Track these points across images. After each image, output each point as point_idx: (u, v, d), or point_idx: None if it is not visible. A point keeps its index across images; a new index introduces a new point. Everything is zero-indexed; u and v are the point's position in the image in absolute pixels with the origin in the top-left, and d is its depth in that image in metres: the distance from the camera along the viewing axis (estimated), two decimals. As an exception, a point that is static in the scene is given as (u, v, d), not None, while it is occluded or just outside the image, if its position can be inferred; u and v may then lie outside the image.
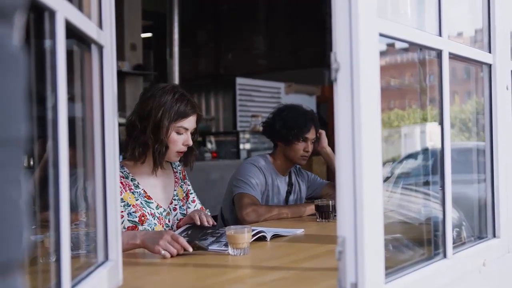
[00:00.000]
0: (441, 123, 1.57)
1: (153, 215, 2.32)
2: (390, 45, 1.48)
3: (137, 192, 2.33)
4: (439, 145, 1.60)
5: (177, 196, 2.49)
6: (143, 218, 2.28)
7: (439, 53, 1.57)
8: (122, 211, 2.23)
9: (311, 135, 3.08)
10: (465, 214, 1.91)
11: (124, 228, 2.24)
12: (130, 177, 2.34)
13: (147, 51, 8.24)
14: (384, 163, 1.29)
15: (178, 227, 2.40)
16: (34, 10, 0.95)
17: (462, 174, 1.93)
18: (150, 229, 2.29)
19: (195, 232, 2.22)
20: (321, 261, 1.90)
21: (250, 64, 9.66)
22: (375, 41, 1.23)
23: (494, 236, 1.87)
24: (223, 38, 10.19)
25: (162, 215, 2.37)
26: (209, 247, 2.02)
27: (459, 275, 1.63)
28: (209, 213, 2.53)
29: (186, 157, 2.45)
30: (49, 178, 1.02)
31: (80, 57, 1.37)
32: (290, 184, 3.21)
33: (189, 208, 2.54)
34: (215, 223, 2.31)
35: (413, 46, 1.64)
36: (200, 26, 10.18)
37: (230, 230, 1.96)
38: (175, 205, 2.46)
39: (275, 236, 2.28)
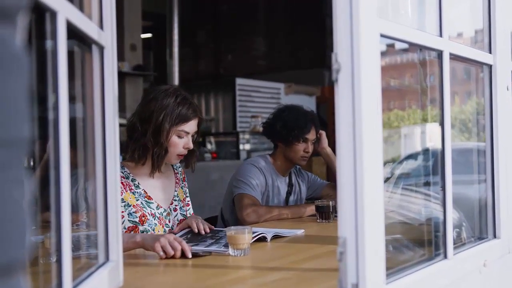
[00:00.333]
0: (442, 123, 1.57)
1: (153, 215, 2.32)
2: (390, 46, 1.48)
3: (137, 192, 2.33)
4: (439, 146, 1.60)
5: (178, 196, 2.49)
6: (143, 218, 2.28)
7: (439, 54, 1.57)
8: (122, 211, 2.23)
9: (311, 135, 3.08)
10: (465, 215, 1.91)
11: (125, 228, 2.24)
12: (131, 178, 2.34)
13: (147, 51, 8.25)
14: (384, 164, 1.29)
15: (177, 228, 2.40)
16: (35, 11, 0.95)
17: (462, 175, 1.93)
18: (150, 229, 2.29)
19: (195, 236, 2.22)
20: (322, 261, 1.90)
21: (250, 64, 9.66)
22: (376, 41, 1.24)
23: (494, 236, 1.87)
24: (223, 39, 10.20)
25: (162, 215, 2.37)
26: (209, 248, 2.02)
27: (460, 275, 1.63)
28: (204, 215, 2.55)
29: (187, 159, 2.45)
30: (50, 179, 1.02)
31: (81, 58, 1.37)
32: (290, 185, 3.21)
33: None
34: (213, 227, 2.30)
35: (413, 47, 1.64)
36: (200, 27, 10.18)
37: (231, 230, 1.96)
38: (176, 205, 2.46)
39: (275, 237, 2.28)
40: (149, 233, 2.27)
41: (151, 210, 2.33)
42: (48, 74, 1.01)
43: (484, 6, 1.88)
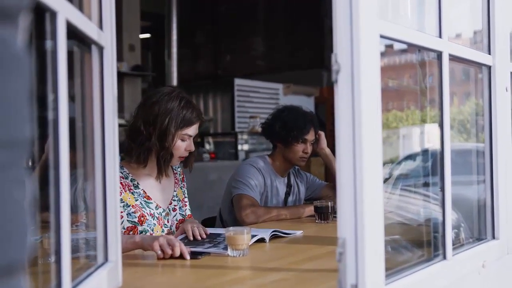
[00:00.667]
0: (441, 124, 1.57)
1: (152, 216, 2.32)
2: (388, 46, 1.48)
3: (136, 192, 2.33)
4: (438, 147, 1.60)
5: (177, 197, 2.49)
6: (142, 219, 2.28)
7: (439, 55, 1.57)
8: (121, 212, 2.23)
9: (310, 136, 3.08)
10: (464, 216, 1.91)
11: (124, 228, 2.24)
12: (130, 178, 2.34)
13: (145, 52, 8.24)
14: (382, 165, 1.29)
15: (176, 229, 2.40)
16: (35, 11, 0.95)
17: (461, 176, 1.93)
18: (149, 230, 2.29)
19: (193, 241, 2.20)
20: (321, 262, 1.90)
21: (248, 65, 9.66)
22: (376, 42, 1.23)
23: (493, 237, 1.87)
24: (222, 39, 10.19)
25: (161, 215, 2.37)
26: (208, 250, 2.01)
27: (459, 276, 1.63)
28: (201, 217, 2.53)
29: (186, 160, 2.45)
30: (48, 178, 1.02)
31: (80, 58, 1.37)
32: (289, 185, 3.21)
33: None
34: (208, 232, 2.28)
35: (411, 48, 1.64)
36: (198, 27, 10.18)
37: (230, 231, 1.96)
38: (175, 205, 2.46)
39: (274, 237, 2.28)
40: (148, 233, 2.27)
41: (150, 210, 2.33)
42: (48, 74, 1.01)
43: (483, 7, 1.88)
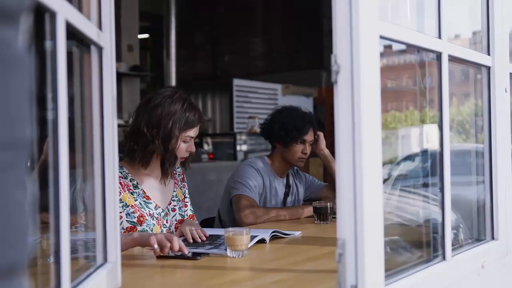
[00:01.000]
0: (440, 125, 1.57)
1: (151, 216, 2.32)
2: (387, 47, 1.48)
3: (136, 192, 2.33)
4: (437, 147, 1.60)
5: (177, 197, 2.49)
6: (141, 219, 2.28)
7: (438, 56, 1.57)
8: (120, 212, 2.23)
9: (309, 137, 3.08)
10: (463, 216, 1.91)
11: (123, 229, 2.24)
12: (129, 177, 2.34)
13: (144, 52, 8.24)
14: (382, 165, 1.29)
15: (175, 229, 2.39)
16: (34, 11, 0.95)
17: (460, 176, 1.93)
18: (148, 230, 2.29)
19: (192, 243, 2.19)
20: (320, 263, 1.90)
21: (247, 65, 9.66)
22: (376, 43, 1.23)
23: (492, 238, 1.87)
24: (220, 40, 10.19)
25: (160, 215, 2.37)
26: (209, 251, 2.01)
27: (458, 277, 1.63)
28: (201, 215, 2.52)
29: (184, 159, 2.45)
30: (47, 179, 1.02)
31: (79, 59, 1.36)
32: (287, 186, 3.21)
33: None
34: (207, 234, 2.27)
35: (410, 48, 1.64)
36: (197, 27, 10.18)
37: (229, 232, 1.95)
38: (174, 205, 2.46)
39: (274, 238, 2.28)
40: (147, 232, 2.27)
41: (149, 211, 2.33)
42: (47, 74, 1.01)
43: (482, 8, 1.88)
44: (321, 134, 3.20)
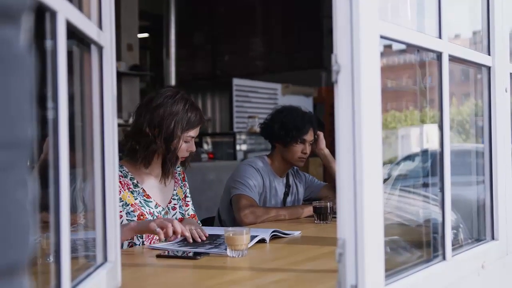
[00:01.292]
0: (441, 125, 1.57)
1: (152, 214, 2.33)
2: (387, 47, 1.48)
3: (136, 191, 2.33)
4: (437, 147, 1.60)
5: (177, 195, 2.50)
6: (142, 217, 2.28)
7: (439, 55, 1.56)
8: (120, 211, 2.23)
9: (309, 137, 3.08)
10: (463, 216, 1.91)
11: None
12: (129, 176, 2.35)
13: (143, 51, 8.24)
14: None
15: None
16: (34, 11, 0.94)
17: (460, 176, 1.93)
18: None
19: (192, 242, 2.19)
20: (320, 263, 1.90)
21: (247, 65, 9.66)
22: (376, 43, 1.23)
23: (492, 238, 1.87)
24: (220, 39, 10.19)
25: (160, 214, 2.38)
26: (210, 251, 2.01)
27: (458, 277, 1.63)
28: (200, 220, 2.53)
29: (184, 159, 2.46)
30: (47, 179, 1.02)
31: (79, 58, 1.36)
32: (287, 186, 3.21)
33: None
34: (207, 234, 2.26)
35: (410, 48, 1.64)
36: (197, 27, 10.18)
37: (229, 231, 1.95)
38: (174, 204, 2.47)
39: (274, 238, 2.28)
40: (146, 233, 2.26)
41: (150, 209, 2.33)
42: (48, 73, 1.01)
43: (483, 8, 1.88)
44: (321, 134, 3.20)
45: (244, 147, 7.42)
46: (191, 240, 2.15)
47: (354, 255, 1.17)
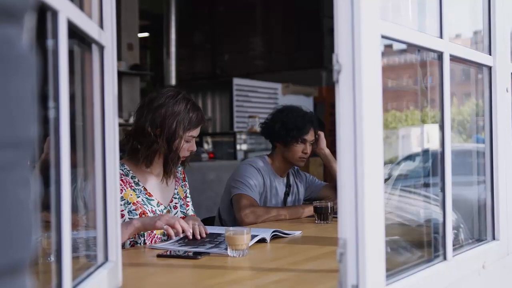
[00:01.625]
0: (442, 125, 1.57)
1: (153, 213, 2.34)
2: (387, 46, 1.48)
3: (138, 189, 2.34)
4: (437, 147, 1.60)
5: (178, 194, 2.51)
6: (143, 216, 2.28)
7: (440, 55, 1.56)
8: (122, 210, 2.24)
9: (310, 136, 3.08)
10: (464, 216, 1.91)
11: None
12: (131, 175, 2.35)
13: (144, 51, 8.24)
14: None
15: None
16: (36, 10, 0.94)
17: (460, 176, 1.93)
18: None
19: (193, 240, 2.19)
20: (321, 263, 1.90)
21: (247, 65, 9.66)
22: (377, 42, 1.23)
23: (493, 238, 1.87)
24: (220, 39, 10.19)
25: (162, 212, 2.38)
26: (210, 250, 2.01)
27: (459, 277, 1.63)
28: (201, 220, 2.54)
29: (184, 158, 2.47)
30: (48, 178, 1.02)
31: (81, 57, 1.36)
32: (288, 185, 3.21)
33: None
34: (208, 231, 2.27)
35: (411, 48, 1.64)
36: (197, 27, 10.18)
37: (229, 231, 1.95)
38: (176, 203, 2.48)
39: (274, 238, 2.28)
40: (147, 231, 2.26)
41: (152, 208, 2.34)
42: (49, 73, 1.01)
43: (484, 8, 1.88)
44: (321, 134, 3.20)
45: (244, 146, 7.42)
46: (191, 237, 2.16)
47: (355, 255, 1.17)
